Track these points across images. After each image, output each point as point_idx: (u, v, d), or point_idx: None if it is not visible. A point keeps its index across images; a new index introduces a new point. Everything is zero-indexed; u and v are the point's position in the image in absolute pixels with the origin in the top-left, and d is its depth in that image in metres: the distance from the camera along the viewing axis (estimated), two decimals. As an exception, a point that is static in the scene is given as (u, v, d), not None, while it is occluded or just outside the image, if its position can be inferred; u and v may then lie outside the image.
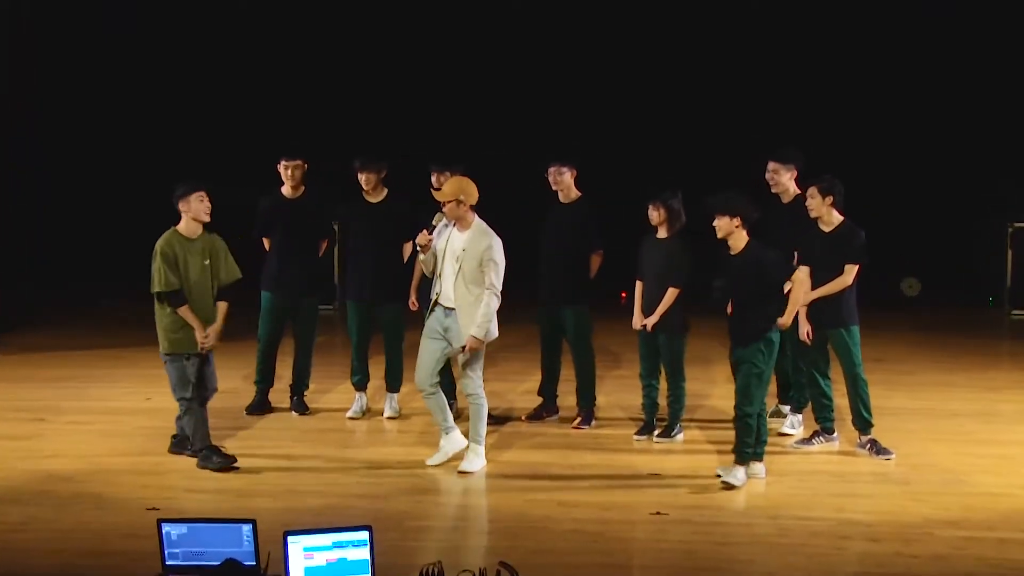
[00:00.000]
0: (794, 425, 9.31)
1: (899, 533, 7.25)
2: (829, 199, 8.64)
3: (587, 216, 9.43)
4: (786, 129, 13.90)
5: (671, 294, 8.90)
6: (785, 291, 8.25)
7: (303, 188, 9.74)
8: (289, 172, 9.64)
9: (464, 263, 8.10)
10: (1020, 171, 14.54)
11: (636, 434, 9.24)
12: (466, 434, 8.47)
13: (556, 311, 9.52)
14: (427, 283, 9.43)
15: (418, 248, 8.31)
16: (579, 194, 9.50)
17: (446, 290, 8.23)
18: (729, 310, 8.26)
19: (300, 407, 9.88)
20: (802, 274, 8.50)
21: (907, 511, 7.65)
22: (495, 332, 8.28)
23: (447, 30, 15.18)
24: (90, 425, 9.48)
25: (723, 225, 8.03)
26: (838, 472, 8.39)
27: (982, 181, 14.63)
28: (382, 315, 9.72)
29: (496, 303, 8.20)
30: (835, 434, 9.03)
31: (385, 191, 9.67)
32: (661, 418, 9.25)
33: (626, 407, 9.75)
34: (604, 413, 9.75)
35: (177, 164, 15.20)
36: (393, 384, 9.86)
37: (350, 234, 9.84)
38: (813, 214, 8.69)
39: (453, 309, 8.20)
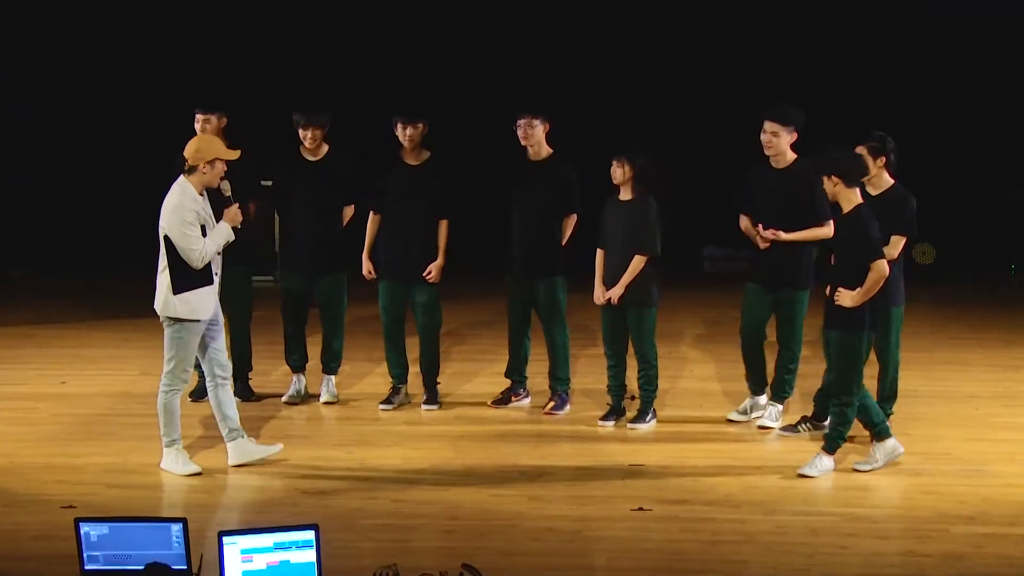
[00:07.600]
0: (774, 417, 9.29)
1: (910, 530, 7.36)
2: (882, 160, 8.58)
3: (560, 176, 9.41)
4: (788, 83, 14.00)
5: (637, 262, 8.95)
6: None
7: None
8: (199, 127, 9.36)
9: None
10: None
11: (601, 419, 9.33)
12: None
13: (528, 283, 9.52)
14: (381, 248, 9.43)
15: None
16: (551, 151, 9.47)
17: None
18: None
19: (245, 393, 9.77)
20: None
21: (919, 505, 7.76)
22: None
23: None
24: (-3, 413, 9.48)
25: (827, 189, 7.98)
26: (841, 462, 8.38)
27: (1003, 144, 14.78)
28: (319, 287, 9.69)
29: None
30: (827, 421, 9.03)
31: (326, 148, 9.60)
32: (633, 396, 9.35)
33: (604, 390, 9.75)
34: (579, 397, 9.78)
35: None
36: (330, 365, 9.85)
37: (285, 196, 9.74)
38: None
39: None
